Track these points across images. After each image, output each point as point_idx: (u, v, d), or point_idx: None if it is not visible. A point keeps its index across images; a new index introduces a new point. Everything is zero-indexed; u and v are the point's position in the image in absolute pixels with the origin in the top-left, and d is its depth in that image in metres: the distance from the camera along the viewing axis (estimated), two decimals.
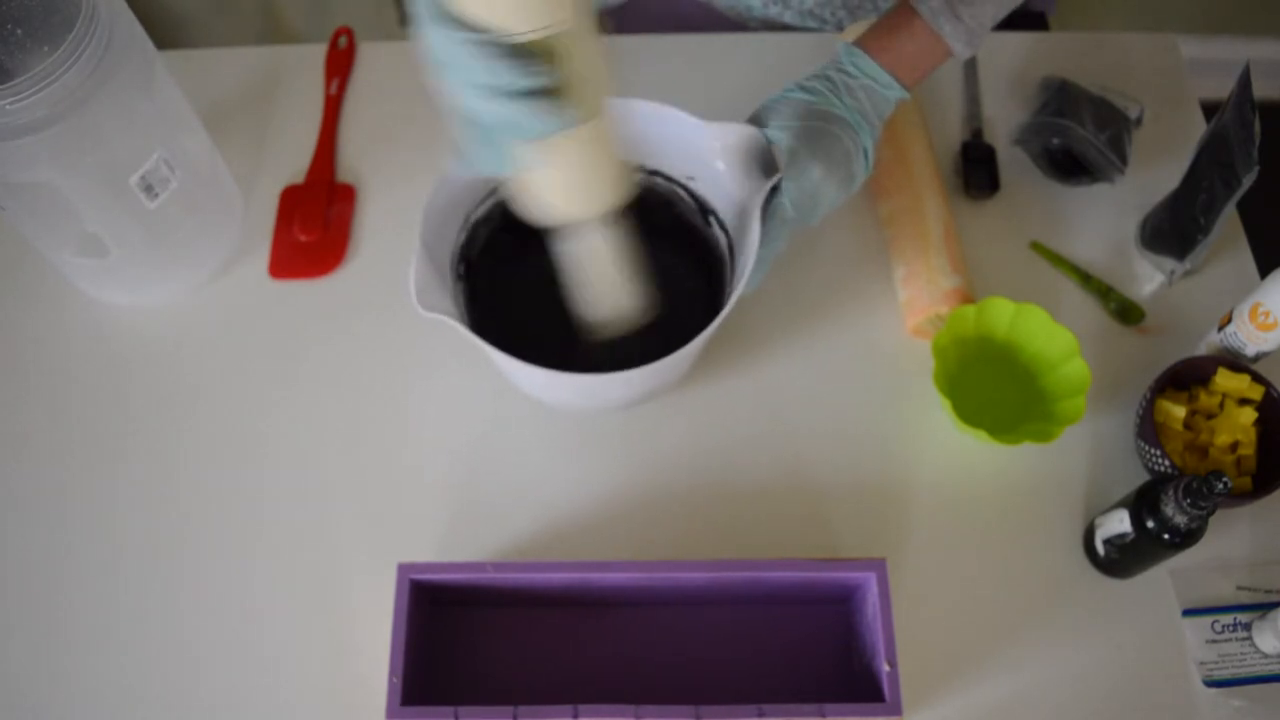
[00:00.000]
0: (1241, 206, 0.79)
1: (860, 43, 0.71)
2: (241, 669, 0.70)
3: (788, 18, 0.95)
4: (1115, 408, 0.78)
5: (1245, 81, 0.74)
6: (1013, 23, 0.78)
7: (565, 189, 0.59)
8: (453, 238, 0.72)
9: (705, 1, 0.98)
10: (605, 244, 0.64)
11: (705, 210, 0.75)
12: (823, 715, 0.60)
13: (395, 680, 0.61)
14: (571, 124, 0.52)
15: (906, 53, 0.70)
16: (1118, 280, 0.83)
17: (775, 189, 0.68)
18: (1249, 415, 0.73)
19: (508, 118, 0.50)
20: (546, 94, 0.50)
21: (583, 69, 0.52)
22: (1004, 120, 0.89)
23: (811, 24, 0.96)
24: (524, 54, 0.50)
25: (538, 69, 0.49)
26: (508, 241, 0.76)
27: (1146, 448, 0.72)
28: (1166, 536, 0.64)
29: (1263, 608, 0.70)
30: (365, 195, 0.87)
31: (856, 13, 0.93)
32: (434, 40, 0.50)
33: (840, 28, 0.95)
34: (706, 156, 0.71)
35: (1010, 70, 0.92)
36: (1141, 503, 0.66)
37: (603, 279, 0.67)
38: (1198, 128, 0.89)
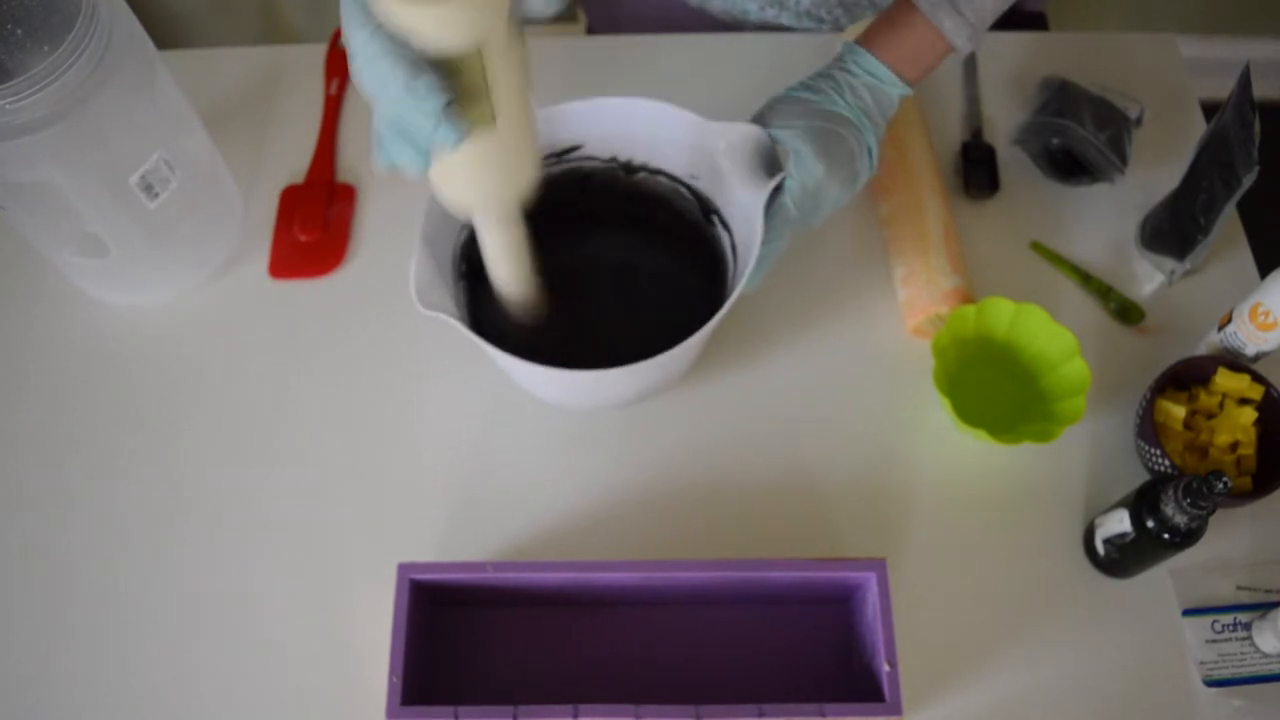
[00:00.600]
0: (1241, 206, 0.79)
1: (862, 41, 0.71)
2: (241, 668, 0.70)
3: (784, 19, 0.95)
4: (1115, 408, 0.78)
5: (1245, 81, 0.74)
6: (1013, 23, 0.78)
7: (465, 185, 0.60)
8: (454, 237, 0.72)
9: (699, 7, 0.98)
10: (501, 239, 0.66)
11: (708, 209, 0.75)
12: (823, 715, 0.60)
13: (395, 680, 0.61)
14: (472, 133, 0.54)
15: (908, 49, 0.70)
16: (1118, 280, 0.83)
17: (778, 188, 0.68)
18: (1249, 415, 0.73)
19: (422, 125, 0.52)
20: (454, 106, 0.52)
21: (498, 77, 0.54)
22: (1004, 120, 0.89)
23: (808, 24, 0.96)
24: (441, 67, 0.51)
25: (447, 85, 0.51)
26: None
27: (1146, 448, 0.72)
28: (1166, 536, 0.64)
29: (1263, 608, 0.70)
30: (365, 195, 0.87)
31: (853, 11, 0.93)
32: (356, 39, 0.51)
33: (838, 27, 0.95)
34: (710, 156, 0.71)
35: (1010, 70, 0.92)
36: (1141, 503, 0.66)
37: (499, 271, 0.68)
38: (1198, 128, 0.89)
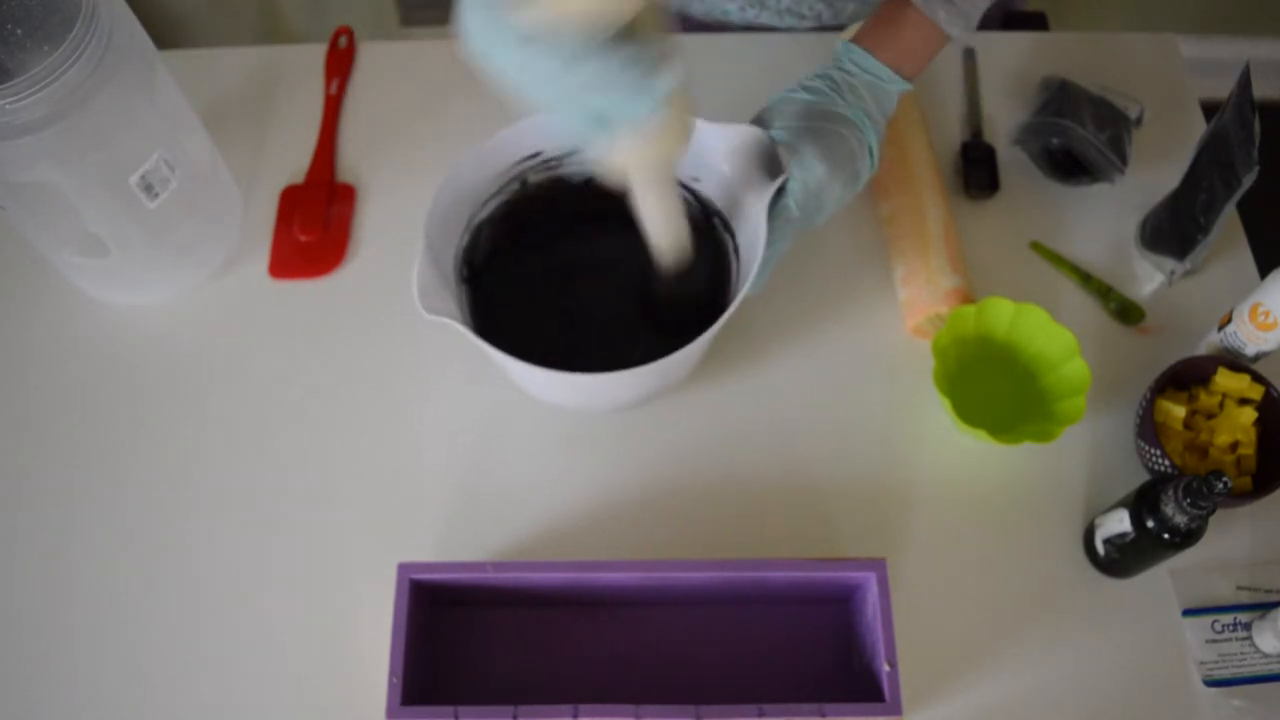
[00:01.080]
0: (1241, 206, 0.79)
1: (858, 39, 0.71)
2: (242, 668, 0.70)
3: (765, 18, 0.95)
4: (1115, 408, 0.78)
5: (1245, 81, 0.74)
6: (1013, 23, 0.78)
7: (651, 147, 0.59)
8: (456, 240, 0.72)
9: (680, 11, 0.97)
10: (668, 197, 0.65)
11: (709, 211, 0.75)
12: (823, 715, 0.60)
13: (395, 680, 0.61)
14: (680, 77, 0.54)
15: (904, 44, 0.70)
16: (1118, 280, 0.83)
17: (780, 189, 0.68)
18: (1249, 415, 0.73)
19: (636, 89, 0.52)
20: (658, 60, 0.52)
21: (665, 26, 0.54)
22: (1004, 120, 0.89)
23: (791, 22, 0.95)
24: (627, 36, 0.51)
25: (648, 41, 0.51)
26: (511, 243, 0.76)
27: (1146, 448, 0.72)
28: (1166, 536, 0.64)
29: (1263, 608, 0.70)
30: (365, 195, 0.87)
31: (835, 5, 0.93)
32: (513, 57, 0.51)
33: (820, 22, 0.95)
34: (711, 158, 0.71)
35: (1010, 70, 0.92)
36: (1141, 503, 0.66)
37: (671, 218, 0.67)
38: (1198, 128, 0.89)
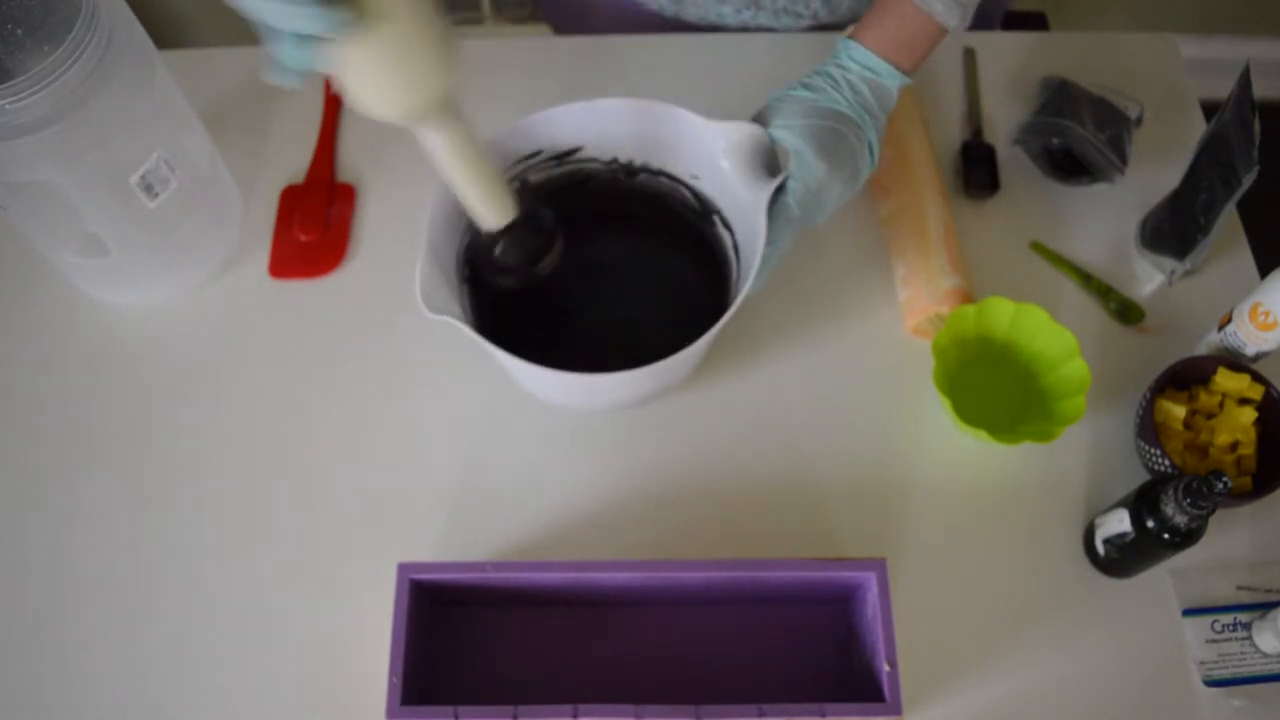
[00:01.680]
0: (1241, 206, 0.79)
1: (856, 35, 0.71)
2: (241, 668, 0.70)
3: (762, 19, 0.95)
4: (1115, 408, 0.78)
5: (1245, 81, 0.74)
6: (1013, 23, 0.78)
7: (373, 87, 0.56)
8: (457, 239, 0.72)
9: (675, 16, 0.97)
10: (439, 141, 0.62)
11: (709, 210, 0.75)
12: (823, 715, 0.61)
13: (395, 680, 0.61)
14: (354, 25, 0.51)
15: (902, 38, 0.70)
16: (1118, 280, 0.83)
17: (780, 188, 0.68)
18: (1249, 415, 0.73)
19: (295, 18, 0.49)
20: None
21: None
22: (1004, 120, 0.89)
23: (788, 21, 0.95)
24: None
25: None
26: None
27: (1146, 447, 0.72)
28: (1166, 536, 0.64)
29: (1263, 607, 0.70)
30: (365, 195, 0.87)
31: (831, 2, 0.93)
32: None
33: (817, 20, 0.95)
34: (711, 156, 0.71)
35: (1010, 70, 0.92)
36: (1141, 502, 0.66)
37: (454, 179, 0.64)
38: (1198, 128, 0.89)
